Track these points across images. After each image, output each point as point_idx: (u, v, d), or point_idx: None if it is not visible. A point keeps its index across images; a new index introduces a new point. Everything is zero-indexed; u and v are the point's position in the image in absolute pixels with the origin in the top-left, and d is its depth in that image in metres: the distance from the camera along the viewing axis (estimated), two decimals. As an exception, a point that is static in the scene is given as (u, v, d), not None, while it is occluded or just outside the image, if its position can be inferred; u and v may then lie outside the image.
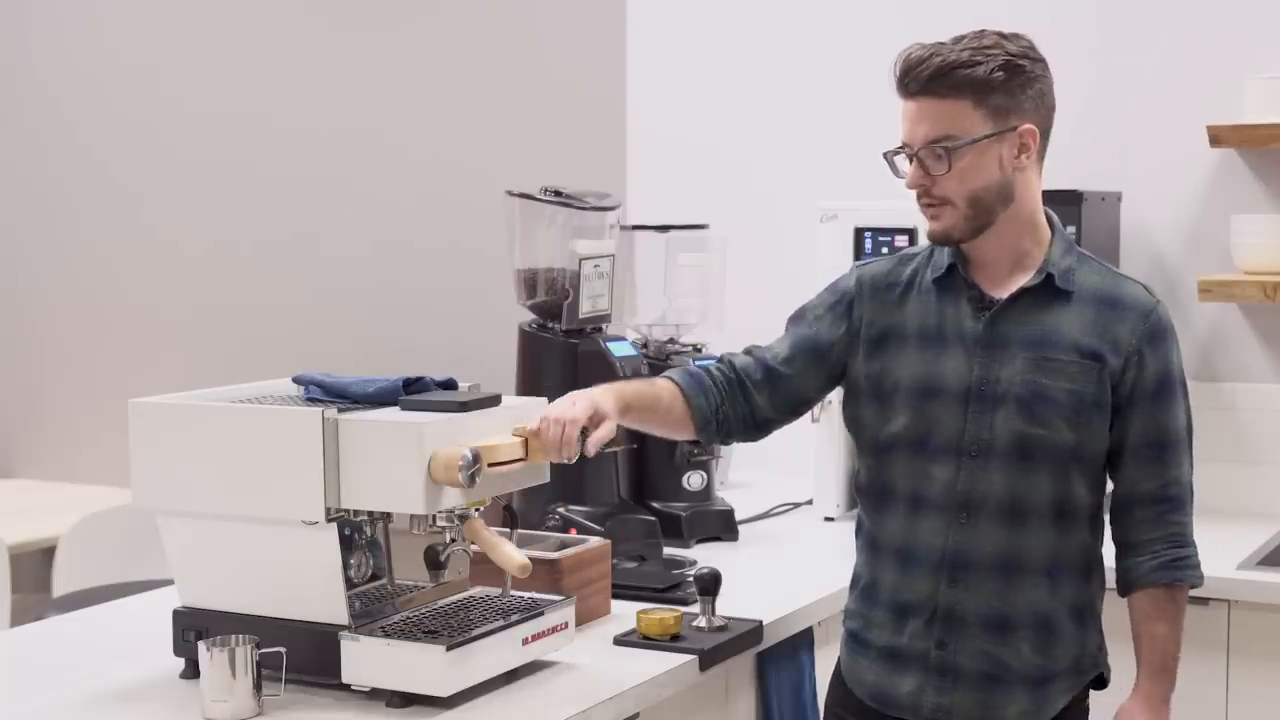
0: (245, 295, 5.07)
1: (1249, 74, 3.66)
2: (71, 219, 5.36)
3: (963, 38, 2.35)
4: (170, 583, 2.55)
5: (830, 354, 2.51)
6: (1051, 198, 3.54)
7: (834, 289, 2.55)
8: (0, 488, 5.33)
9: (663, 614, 2.66)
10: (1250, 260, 3.65)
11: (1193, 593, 3.16)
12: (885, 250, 3.59)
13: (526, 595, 2.55)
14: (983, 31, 2.36)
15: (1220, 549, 3.34)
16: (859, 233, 3.63)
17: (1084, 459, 2.38)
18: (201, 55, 5.11)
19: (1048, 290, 2.39)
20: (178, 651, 2.48)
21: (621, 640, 2.66)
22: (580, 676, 2.50)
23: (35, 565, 4.58)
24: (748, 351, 2.57)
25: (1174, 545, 2.41)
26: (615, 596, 2.87)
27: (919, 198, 2.39)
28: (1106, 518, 2.47)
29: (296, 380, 2.57)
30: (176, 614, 2.48)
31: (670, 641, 2.63)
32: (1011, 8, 3.97)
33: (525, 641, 2.45)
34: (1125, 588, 2.44)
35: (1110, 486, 2.45)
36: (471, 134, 4.69)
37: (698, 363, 2.56)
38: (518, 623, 2.44)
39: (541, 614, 2.49)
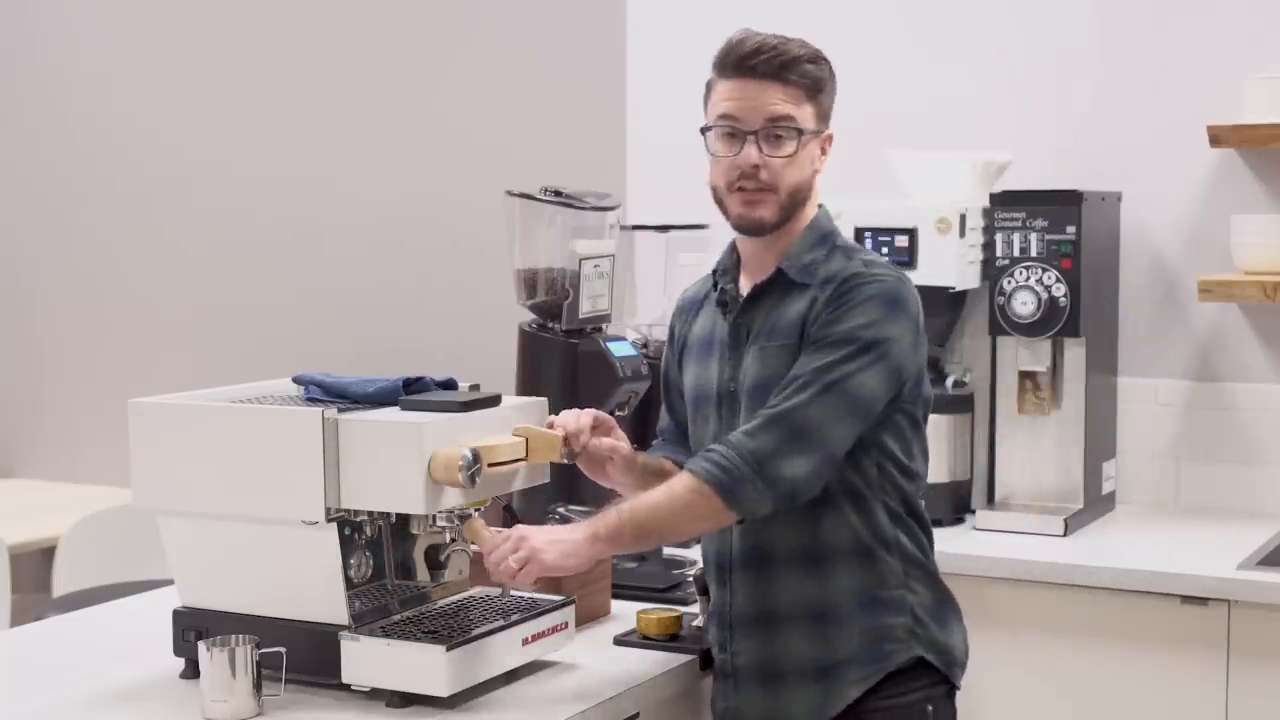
0: (245, 295, 5.07)
1: (1249, 74, 3.66)
2: (72, 219, 5.37)
3: (791, 39, 2.40)
4: (170, 583, 2.56)
5: (677, 383, 2.60)
6: (1051, 197, 3.58)
7: (669, 326, 2.65)
8: (0, 488, 5.33)
9: (663, 614, 2.66)
10: (1250, 260, 3.65)
11: (1192, 592, 3.19)
12: (885, 251, 3.60)
13: (526, 595, 2.56)
14: (800, 39, 2.42)
15: (1220, 549, 3.35)
16: (859, 232, 3.63)
17: None
18: (201, 56, 5.11)
19: (784, 284, 2.39)
20: (178, 651, 2.48)
21: (621, 640, 2.66)
22: (580, 676, 2.50)
23: (35, 565, 4.58)
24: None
25: (721, 444, 2.28)
26: (615, 596, 2.87)
27: (741, 179, 2.37)
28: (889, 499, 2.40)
29: (296, 380, 2.57)
30: (176, 614, 2.48)
31: (670, 641, 2.63)
32: (1012, 8, 3.98)
33: (525, 641, 2.45)
34: (903, 566, 2.39)
35: (891, 470, 2.39)
36: (471, 134, 4.69)
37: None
38: (518, 623, 2.44)
39: (541, 614, 2.50)
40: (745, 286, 2.45)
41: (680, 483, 2.29)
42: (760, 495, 2.25)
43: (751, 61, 2.36)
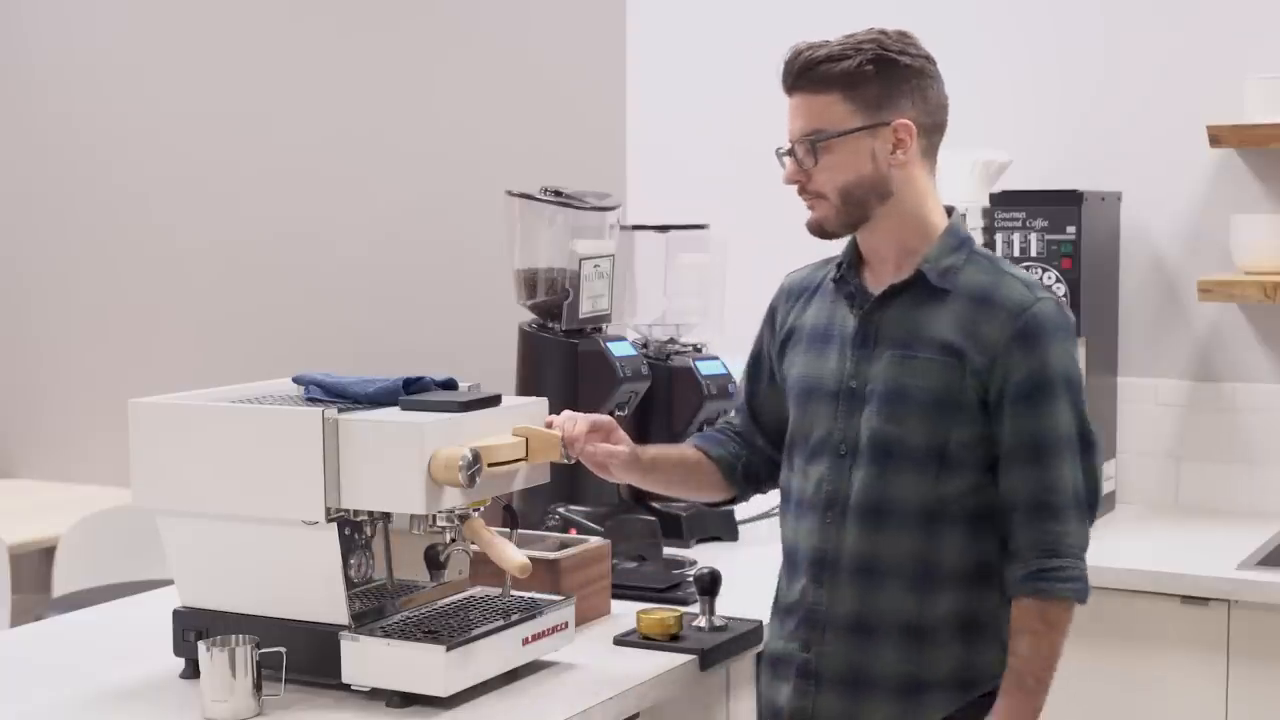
0: (245, 295, 5.07)
1: (1249, 74, 3.66)
2: (72, 219, 5.37)
3: (850, 35, 2.36)
4: (170, 583, 2.56)
5: (770, 368, 2.55)
6: (1051, 198, 3.58)
7: (768, 306, 2.59)
8: (0, 488, 5.33)
9: (663, 614, 2.66)
10: (1250, 260, 3.65)
11: (1192, 592, 3.19)
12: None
13: (526, 595, 2.56)
14: (870, 28, 2.37)
15: (1220, 549, 3.35)
16: (859, 233, 3.63)
17: (950, 460, 2.30)
18: (201, 55, 5.11)
19: (923, 289, 2.34)
20: (178, 651, 2.48)
21: (621, 640, 2.66)
22: (580, 676, 2.50)
23: (35, 565, 4.58)
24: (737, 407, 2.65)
25: (1046, 554, 2.26)
26: (615, 596, 2.87)
27: (799, 193, 2.39)
28: None
29: (296, 380, 2.57)
30: (176, 614, 2.48)
31: (670, 641, 2.63)
32: (1012, 9, 3.99)
33: (525, 641, 2.45)
34: (1005, 596, 2.33)
35: None
36: (471, 134, 4.69)
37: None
38: (518, 623, 2.44)
39: (541, 614, 2.50)
40: (871, 283, 2.40)
41: (1040, 614, 2.27)
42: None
43: (782, 78, 2.36)
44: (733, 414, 2.65)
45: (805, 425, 2.42)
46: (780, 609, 2.46)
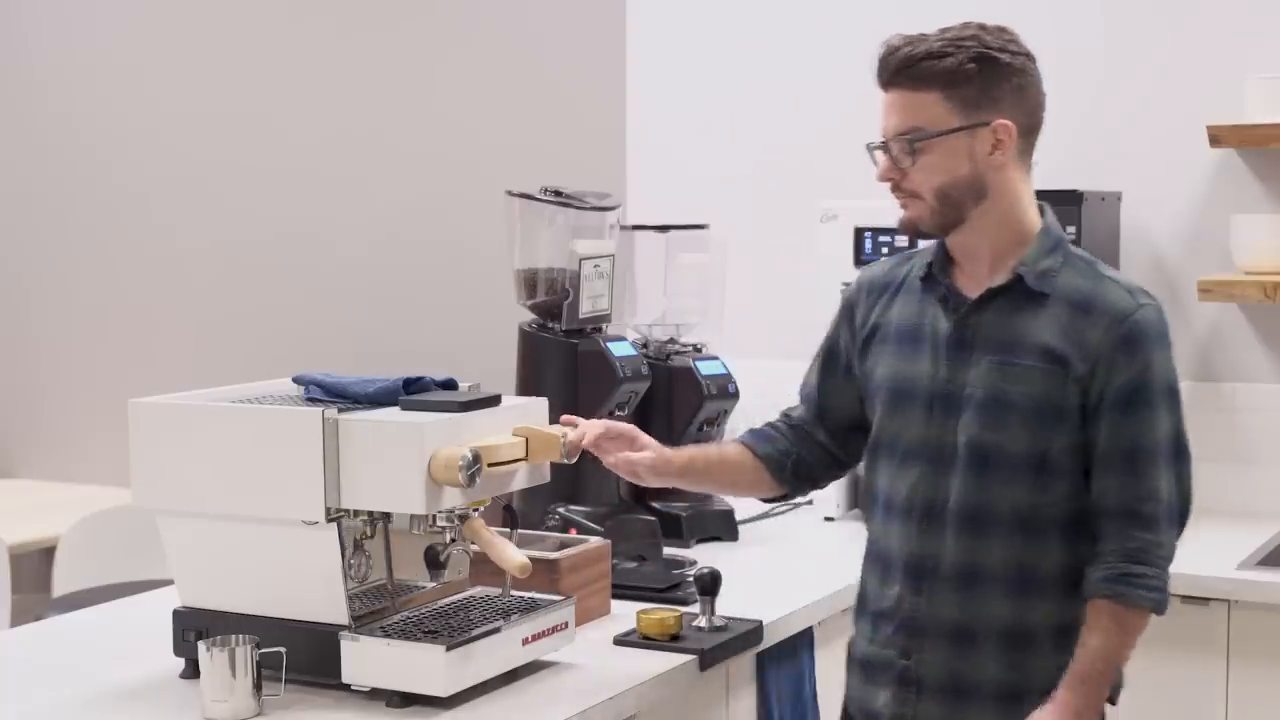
0: (245, 295, 5.07)
1: (1249, 74, 3.66)
2: (71, 219, 5.37)
3: (948, 29, 2.30)
4: (170, 583, 2.56)
5: (848, 363, 2.48)
6: (1051, 198, 3.56)
7: (841, 302, 2.53)
8: (0, 488, 5.33)
9: (663, 614, 2.66)
10: (1250, 260, 3.65)
11: (1192, 592, 3.19)
12: (885, 251, 3.59)
13: (526, 595, 2.56)
14: (967, 23, 2.31)
15: (1220, 549, 3.35)
16: (859, 233, 3.63)
17: (1050, 467, 2.27)
18: (201, 55, 5.11)
19: (1021, 292, 2.30)
20: (178, 651, 2.48)
21: (621, 640, 2.66)
22: (580, 676, 2.50)
23: (35, 565, 4.58)
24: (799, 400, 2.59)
25: (1130, 560, 2.24)
26: (615, 596, 2.87)
27: (891, 190, 2.34)
28: None
29: (296, 380, 2.57)
30: (176, 614, 2.48)
31: (670, 641, 2.63)
32: (1012, 9, 3.97)
33: (525, 641, 2.45)
34: (1083, 596, 2.31)
35: None
36: (471, 134, 4.70)
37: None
38: (518, 623, 2.44)
39: (541, 614, 2.50)
40: (964, 285, 2.35)
41: (1116, 618, 2.25)
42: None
43: (878, 72, 2.31)
44: (794, 406, 2.57)
45: (895, 427, 2.37)
46: (871, 612, 2.42)
